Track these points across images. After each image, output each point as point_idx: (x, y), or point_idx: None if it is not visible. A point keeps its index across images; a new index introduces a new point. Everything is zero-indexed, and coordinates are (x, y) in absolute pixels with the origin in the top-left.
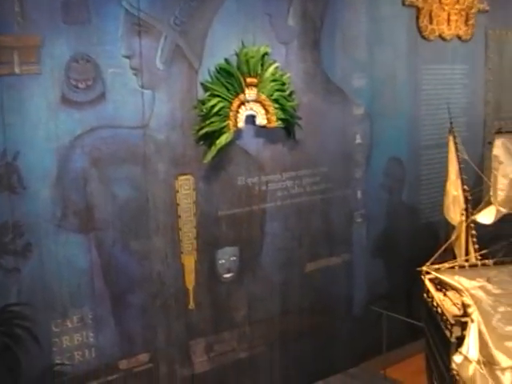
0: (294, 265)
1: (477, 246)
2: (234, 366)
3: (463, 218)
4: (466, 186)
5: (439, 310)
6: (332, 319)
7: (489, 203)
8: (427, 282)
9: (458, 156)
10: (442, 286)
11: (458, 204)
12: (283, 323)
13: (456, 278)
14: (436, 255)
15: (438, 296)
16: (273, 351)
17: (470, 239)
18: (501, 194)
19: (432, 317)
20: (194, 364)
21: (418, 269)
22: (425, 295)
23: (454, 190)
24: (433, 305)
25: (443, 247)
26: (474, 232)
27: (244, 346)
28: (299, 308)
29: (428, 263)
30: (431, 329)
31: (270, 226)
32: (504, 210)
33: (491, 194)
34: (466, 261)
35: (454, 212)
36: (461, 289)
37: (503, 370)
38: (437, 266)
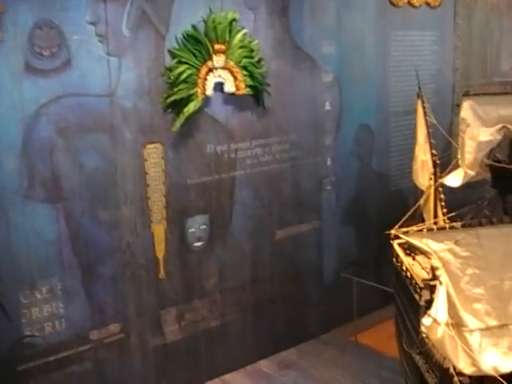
0: (264, 233)
1: (445, 210)
2: (205, 334)
3: (432, 182)
4: (434, 151)
5: (408, 274)
6: (303, 286)
7: (457, 166)
8: (396, 247)
9: (426, 120)
10: (411, 250)
11: (427, 168)
12: (254, 291)
13: (424, 240)
14: (404, 218)
15: (407, 260)
16: (244, 319)
17: (438, 203)
18: (468, 157)
19: (401, 281)
20: (165, 333)
21: (387, 232)
22: (394, 260)
23: (423, 154)
24: (402, 269)
25: (411, 210)
26: (442, 196)
27: (215, 315)
28: (270, 275)
29: (396, 226)
30: (401, 293)
31: (239, 194)
32: (472, 173)
33: (459, 156)
34: (435, 224)
35: (423, 176)
36: (429, 251)
37: (471, 331)
38: (405, 229)
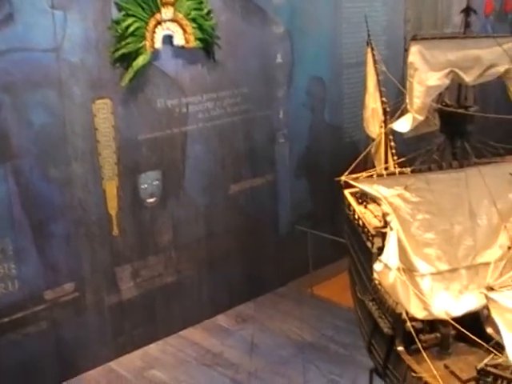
0: (217, 187)
1: (396, 158)
2: (161, 290)
3: (382, 129)
4: (384, 98)
5: (360, 222)
6: (258, 240)
7: (406, 112)
8: (348, 196)
9: (375, 68)
10: (363, 199)
11: (377, 116)
12: (210, 246)
13: (374, 186)
14: (354, 164)
15: (359, 209)
16: (200, 274)
17: (388, 150)
18: (417, 102)
19: (354, 230)
20: (121, 290)
21: (337, 179)
22: (346, 209)
23: (373, 102)
24: (354, 218)
25: (361, 156)
26: (392, 144)
27: (171, 271)
28: (225, 230)
29: (346, 173)
30: (353, 242)
31: (191, 149)
32: (420, 118)
33: (407, 101)
34: (386, 169)
35: (373, 124)
36: (379, 197)
37: (422, 276)
38: (355, 176)
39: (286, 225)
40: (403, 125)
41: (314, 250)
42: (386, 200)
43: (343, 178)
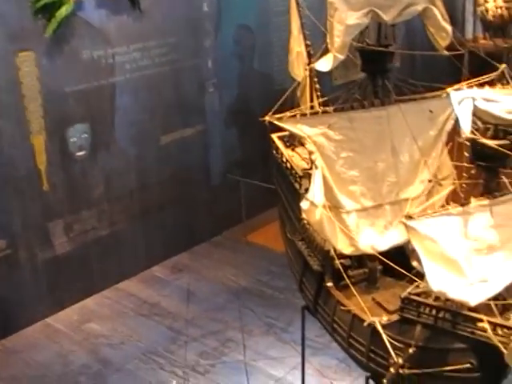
0: (148, 138)
1: (321, 100)
2: (96, 244)
3: (307, 73)
4: (308, 41)
5: (288, 165)
6: (191, 190)
7: (327, 51)
8: (276, 140)
9: (299, 11)
10: (290, 142)
11: (302, 59)
12: (142, 198)
13: (298, 126)
14: (278, 104)
15: (286, 152)
16: (134, 226)
17: (314, 92)
18: (337, 41)
19: (282, 173)
20: (54, 246)
21: (261, 119)
22: (274, 152)
23: (297, 46)
24: (282, 161)
25: (285, 95)
26: (317, 86)
27: (104, 224)
28: (157, 181)
29: (270, 113)
30: (282, 185)
31: (120, 101)
32: (341, 57)
33: (328, 41)
34: (311, 108)
35: (298, 68)
36: (303, 136)
37: (348, 212)
38: (279, 116)
39: (219, 174)
40: (325, 64)
41: (247, 197)
42: (310, 139)
43: (267, 117)
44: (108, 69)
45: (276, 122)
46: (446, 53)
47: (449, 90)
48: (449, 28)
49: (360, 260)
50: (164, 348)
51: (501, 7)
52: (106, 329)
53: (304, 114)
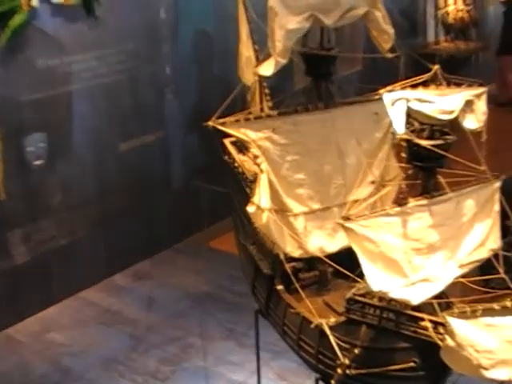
0: (107, 146)
1: (270, 104)
2: (55, 253)
3: (256, 78)
4: (256, 46)
5: (240, 169)
6: (152, 198)
7: (269, 56)
8: (228, 145)
9: (247, 16)
10: (243, 147)
11: (251, 64)
12: (102, 205)
13: (242, 130)
14: (222, 107)
15: (238, 157)
16: (95, 235)
17: (263, 97)
18: (279, 45)
19: (235, 178)
20: (13, 256)
21: (204, 124)
22: (226, 157)
23: (246, 51)
24: (234, 166)
25: (229, 99)
26: (267, 91)
27: (64, 233)
28: (117, 189)
29: (213, 118)
30: (235, 190)
31: (77, 109)
32: (283, 61)
33: (269, 46)
34: (250, 114)
35: (248, 73)
36: (248, 141)
37: (296, 215)
38: (222, 120)
39: (180, 181)
40: (267, 69)
41: (208, 204)
42: (254, 143)
43: (210, 122)
44: (64, 77)
45: (219, 127)
46: (389, 55)
47: (381, 91)
48: (391, 31)
49: (311, 263)
50: (124, 356)
51: (461, 10)
52: (67, 338)
53: (248, 119)
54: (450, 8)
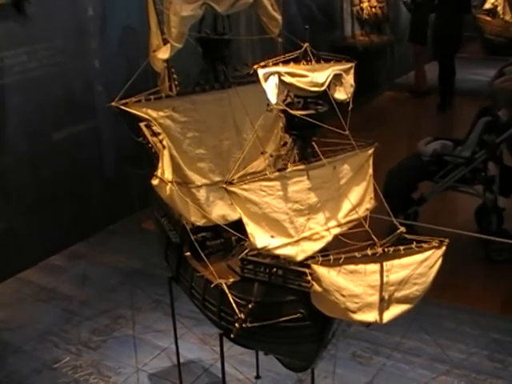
0: (40, 135)
1: (179, 88)
2: None
3: (164, 63)
4: (165, 36)
5: (153, 150)
6: (85, 184)
7: (166, 41)
8: (143, 127)
9: (155, 9)
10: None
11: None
12: (37, 192)
13: (144, 110)
14: (124, 88)
15: (152, 139)
16: (31, 220)
17: (172, 82)
18: (174, 31)
19: (150, 158)
20: None
21: (107, 105)
22: (141, 139)
23: (156, 40)
24: (149, 147)
25: (133, 78)
26: (175, 76)
27: (1, 218)
28: (52, 175)
29: (117, 98)
30: (151, 170)
31: (10, 103)
32: (178, 45)
33: (165, 31)
34: (152, 94)
35: (158, 60)
36: (150, 119)
37: (198, 187)
38: (124, 101)
39: (111, 167)
40: (164, 53)
41: (140, 189)
42: (155, 121)
43: (113, 104)
44: None
45: (122, 107)
46: (279, 40)
47: (255, 66)
48: (279, 17)
49: (218, 231)
50: (59, 328)
51: (374, 7)
52: (6, 315)
53: (148, 99)
54: (364, 5)
